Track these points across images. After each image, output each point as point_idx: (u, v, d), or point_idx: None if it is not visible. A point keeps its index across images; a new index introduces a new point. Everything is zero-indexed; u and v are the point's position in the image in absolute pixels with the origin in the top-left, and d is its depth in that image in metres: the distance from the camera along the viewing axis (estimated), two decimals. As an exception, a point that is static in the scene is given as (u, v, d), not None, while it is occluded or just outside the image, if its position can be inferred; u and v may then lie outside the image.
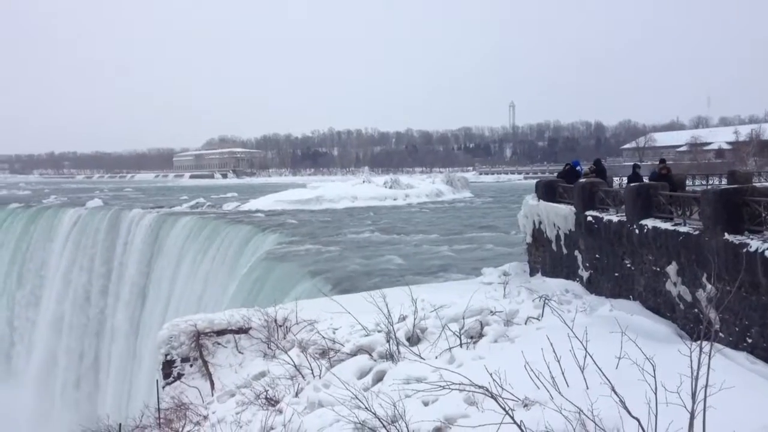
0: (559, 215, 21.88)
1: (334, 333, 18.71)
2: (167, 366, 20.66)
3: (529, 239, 25.14)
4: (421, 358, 14.72)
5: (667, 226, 15.69)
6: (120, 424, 14.81)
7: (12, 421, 53.58)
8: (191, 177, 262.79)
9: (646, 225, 16.38)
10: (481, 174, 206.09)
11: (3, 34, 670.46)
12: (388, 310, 16.60)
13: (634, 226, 16.87)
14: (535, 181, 27.86)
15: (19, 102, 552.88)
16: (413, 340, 16.66)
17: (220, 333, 21.16)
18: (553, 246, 22.69)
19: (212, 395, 18.54)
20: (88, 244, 62.85)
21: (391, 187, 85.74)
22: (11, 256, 69.19)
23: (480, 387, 9.25)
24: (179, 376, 20.42)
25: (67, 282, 61.59)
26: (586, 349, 10.38)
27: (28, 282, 66.23)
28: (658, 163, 20.82)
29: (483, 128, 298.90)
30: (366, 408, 10.37)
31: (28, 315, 64.62)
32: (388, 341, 16.15)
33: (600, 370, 9.65)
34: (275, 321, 21.01)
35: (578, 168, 24.70)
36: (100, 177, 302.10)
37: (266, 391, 16.33)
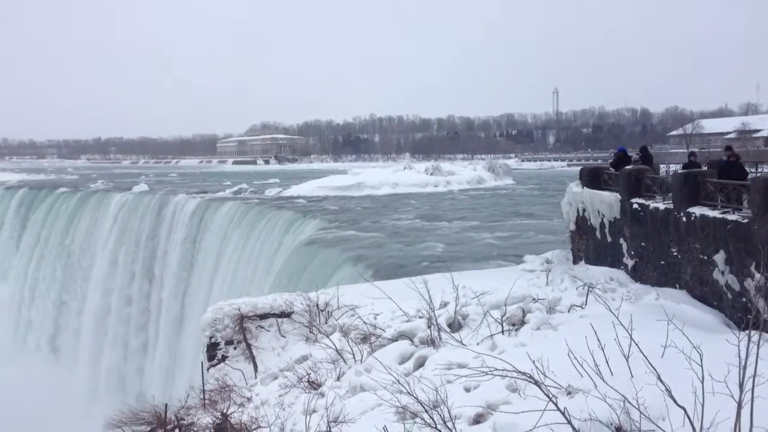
0: (604, 202, 21.60)
1: (375, 318, 18.82)
2: (211, 348, 21.01)
3: (572, 227, 24.86)
4: (463, 344, 14.71)
5: (715, 214, 15.40)
6: (166, 405, 15.12)
7: (62, 401, 55.21)
8: (234, 163, 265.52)
9: (694, 213, 16.10)
10: (523, 161, 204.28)
11: (50, 22, 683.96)
12: (430, 297, 16.61)
13: (682, 214, 16.59)
14: (578, 168, 27.45)
15: (68, 88, 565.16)
16: (454, 326, 16.65)
17: (263, 317, 21.44)
18: (597, 234, 22.42)
19: (256, 377, 18.81)
20: (134, 228, 64.03)
21: (432, 174, 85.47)
22: (59, 239, 70.93)
23: (523, 374, 9.22)
24: (223, 358, 20.75)
25: (114, 265, 62.87)
26: (631, 337, 10.26)
27: (76, 264, 67.84)
28: (724, 150, 19.67)
29: (526, 114, 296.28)
30: (408, 393, 10.41)
31: (76, 296, 66.24)
32: (429, 327, 16.17)
33: (646, 358, 9.54)
34: (317, 306, 21.21)
35: (623, 155, 24.18)
36: (145, 162, 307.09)
37: (308, 374, 16.51)
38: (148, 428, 14.63)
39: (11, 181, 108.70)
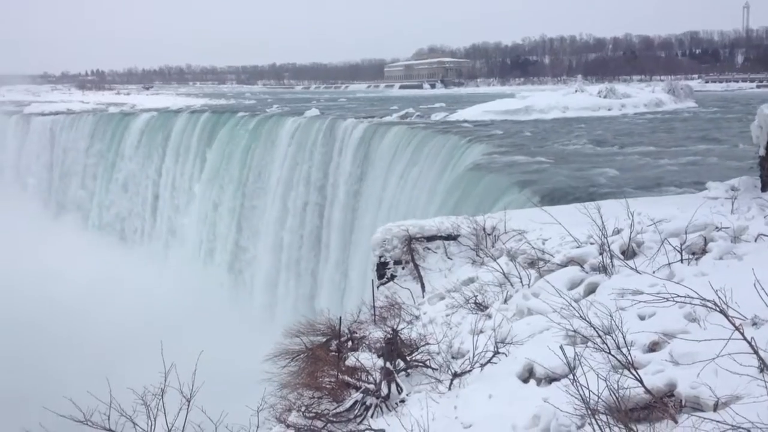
0: (802, 125, 19.70)
1: (543, 243, 18.50)
2: (381, 267, 21.67)
3: (762, 152, 22.87)
4: (637, 271, 14.18)
5: None
6: (340, 318, 15.86)
7: (242, 315, 60.20)
8: (401, 87, 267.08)
9: None
10: (707, 82, 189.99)
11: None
12: (603, 222, 16.05)
13: None
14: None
15: (245, 18, 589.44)
16: (628, 253, 16.02)
17: (430, 239, 21.75)
18: (792, 159, 20.56)
19: (423, 297, 19.26)
20: (306, 152, 66.55)
21: (605, 97, 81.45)
22: (239, 161, 75.22)
23: (707, 301, 8.75)
24: (392, 277, 21.37)
25: (288, 186, 66.00)
26: (830, 270, 9.43)
27: (253, 186, 71.89)
28: None
29: (712, 32, 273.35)
30: (581, 316, 10.22)
31: (254, 217, 70.47)
32: (601, 254, 15.67)
33: None
34: (483, 229, 21.19)
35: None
36: (316, 87, 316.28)
37: (475, 296, 16.66)
38: (324, 339, 15.44)
39: (196, 105, 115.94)
